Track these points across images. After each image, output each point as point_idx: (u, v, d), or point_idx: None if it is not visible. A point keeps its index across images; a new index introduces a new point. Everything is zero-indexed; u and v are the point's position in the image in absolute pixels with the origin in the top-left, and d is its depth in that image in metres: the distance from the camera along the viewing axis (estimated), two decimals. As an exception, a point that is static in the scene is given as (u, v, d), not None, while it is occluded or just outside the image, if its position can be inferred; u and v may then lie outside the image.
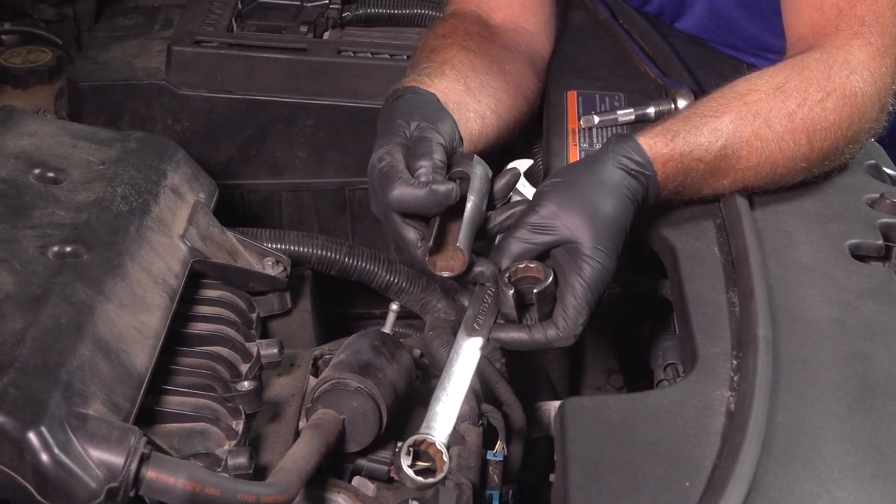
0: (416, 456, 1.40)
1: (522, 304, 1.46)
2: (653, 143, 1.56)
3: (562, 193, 1.49)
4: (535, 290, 1.44)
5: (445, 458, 1.37)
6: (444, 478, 1.38)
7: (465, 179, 1.52)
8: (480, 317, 1.48)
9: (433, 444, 1.38)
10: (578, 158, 1.76)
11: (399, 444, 1.45)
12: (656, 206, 1.59)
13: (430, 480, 1.38)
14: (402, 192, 1.47)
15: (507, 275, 1.45)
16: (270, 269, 1.75)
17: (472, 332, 1.46)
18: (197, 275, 1.66)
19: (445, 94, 1.68)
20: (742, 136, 1.59)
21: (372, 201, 1.54)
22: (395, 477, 1.53)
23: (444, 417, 1.40)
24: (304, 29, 2.27)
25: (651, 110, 1.82)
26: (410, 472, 1.38)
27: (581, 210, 1.48)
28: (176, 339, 1.55)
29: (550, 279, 1.44)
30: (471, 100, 1.73)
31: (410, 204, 1.47)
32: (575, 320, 1.45)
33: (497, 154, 1.80)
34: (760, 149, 1.60)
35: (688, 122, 1.60)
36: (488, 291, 1.50)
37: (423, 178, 1.48)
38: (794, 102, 1.61)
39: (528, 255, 1.48)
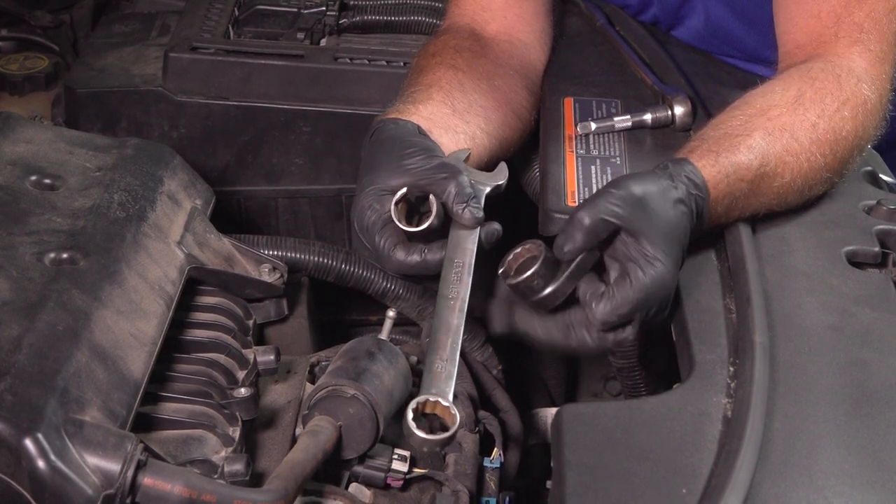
0: (424, 422, 1.34)
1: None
2: (703, 165, 1.53)
3: (627, 188, 1.46)
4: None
5: (454, 412, 1.31)
6: (456, 433, 1.31)
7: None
8: (457, 272, 1.46)
9: (438, 402, 1.32)
10: (575, 165, 1.75)
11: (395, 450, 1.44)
12: (706, 230, 1.56)
13: (442, 436, 1.31)
14: (396, 263, 1.52)
15: (504, 267, 1.41)
16: (267, 275, 1.75)
17: (450, 291, 1.45)
18: (193, 281, 1.66)
19: (431, 119, 1.68)
20: (775, 152, 1.57)
21: (355, 241, 1.56)
22: (391, 478, 1.54)
23: (445, 377, 1.35)
24: (300, 36, 2.27)
25: (648, 117, 1.82)
26: (420, 432, 1.31)
27: (648, 208, 1.44)
28: (172, 345, 1.55)
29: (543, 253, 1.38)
30: (459, 121, 1.72)
31: (404, 271, 1.53)
32: (614, 309, 1.42)
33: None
34: (792, 163, 1.59)
35: (723, 143, 1.57)
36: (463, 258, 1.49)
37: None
38: (815, 114, 1.61)
39: (599, 231, 1.43)
